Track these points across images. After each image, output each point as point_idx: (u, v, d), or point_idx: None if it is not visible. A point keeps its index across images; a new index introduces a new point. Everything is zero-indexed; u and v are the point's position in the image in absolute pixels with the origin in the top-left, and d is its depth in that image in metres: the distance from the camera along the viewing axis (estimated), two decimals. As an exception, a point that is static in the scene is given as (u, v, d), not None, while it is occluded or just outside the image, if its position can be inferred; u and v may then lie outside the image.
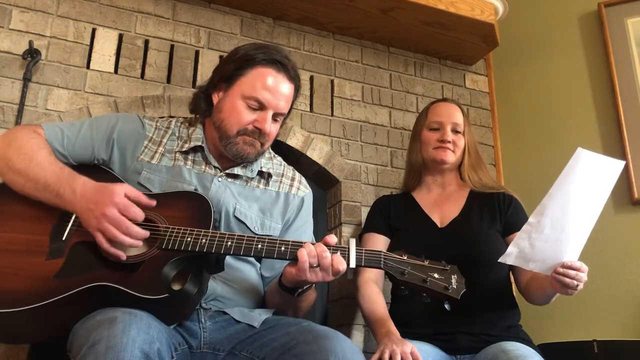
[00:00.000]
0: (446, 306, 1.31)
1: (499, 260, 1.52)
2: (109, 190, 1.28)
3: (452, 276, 1.30)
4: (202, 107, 1.60)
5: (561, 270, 1.49)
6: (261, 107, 1.52)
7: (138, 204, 1.29)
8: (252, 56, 1.55)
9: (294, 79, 1.59)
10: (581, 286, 1.51)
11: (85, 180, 1.33)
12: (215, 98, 1.58)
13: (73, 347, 1.15)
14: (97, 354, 1.03)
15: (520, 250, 1.51)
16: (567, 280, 1.49)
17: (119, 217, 1.24)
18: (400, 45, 2.57)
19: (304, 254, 1.28)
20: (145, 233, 1.27)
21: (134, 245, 1.26)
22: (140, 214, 1.27)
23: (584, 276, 1.50)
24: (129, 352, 1.03)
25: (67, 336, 1.22)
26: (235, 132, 1.51)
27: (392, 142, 2.44)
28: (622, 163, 1.50)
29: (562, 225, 1.49)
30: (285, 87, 1.56)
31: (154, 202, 1.31)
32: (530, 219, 1.50)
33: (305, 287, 1.42)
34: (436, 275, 1.29)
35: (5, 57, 1.90)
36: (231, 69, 1.56)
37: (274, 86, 1.53)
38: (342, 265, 1.28)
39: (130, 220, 1.26)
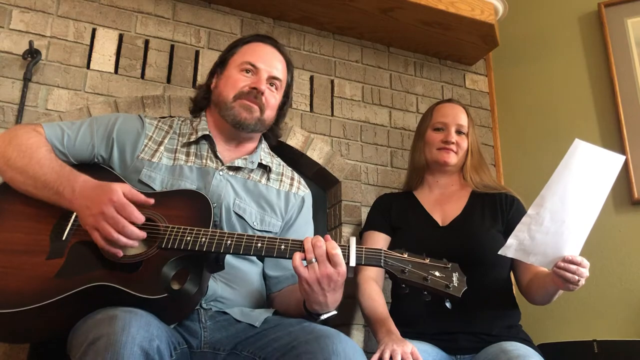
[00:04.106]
0: (447, 304, 1.29)
1: (499, 253, 1.52)
2: (107, 188, 1.27)
3: (454, 274, 1.29)
4: (201, 96, 1.67)
5: (562, 264, 1.49)
6: (255, 70, 1.60)
7: (136, 203, 1.28)
8: (242, 39, 1.70)
9: (285, 55, 1.69)
10: (582, 282, 1.50)
11: (85, 178, 1.32)
12: (212, 84, 1.66)
13: (73, 346, 1.15)
14: (97, 351, 1.03)
15: (519, 243, 1.51)
16: (568, 275, 1.49)
17: (116, 216, 1.23)
18: (400, 45, 2.57)
19: (296, 257, 1.26)
20: (142, 234, 1.26)
21: (130, 245, 1.24)
22: (136, 215, 1.25)
23: (585, 271, 1.50)
24: (128, 349, 1.02)
25: (67, 336, 1.21)
26: (232, 97, 1.57)
27: (392, 142, 2.44)
28: (622, 158, 1.49)
29: (562, 218, 1.48)
30: (277, 55, 1.65)
31: (151, 200, 1.30)
32: (530, 211, 1.50)
33: (330, 314, 1.37)
34: (437, 274, 1.28)
35: (6, 57, 1.90)
36: (223, 54, 1.68)
37: (265, 52, 1.63)
38: (335, 250, 1.25)
39: (127, 219, 1.24)
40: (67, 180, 1.31)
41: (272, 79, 1.61)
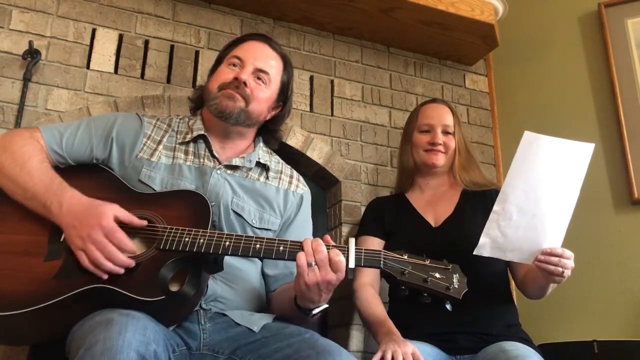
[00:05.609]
0: (447, 306, 1.28)
1: (474, 253, 1.52)
2: (97, 211, 1.25)
3: (454, 275, 1.27)
4: (198, 94, 1.69)
5: (542, 257, 1.49)
6: (241, 62, 1.59)
7: (129, 226, 1.27)
8: (238, 38, 1.71)
9: (280, 53, 1.67)
10: (568, 273, 1.50)
11: (73, 194, 1.31)
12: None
13: (71, 349, 1.15)
14: (93, 357, 1.02)
15: (492, 241, 1.50)
16: (551, 267, 1.48)
17: (104, 242, 1.22)
18: (400, 45, 2.57)
19: (301, 257, 1.25)
20: (130, 262, 1.23)
21: (115, 272, 1.21)
22: (125, 243, 1.24)
23: (568, 262, 1.49)
24: (124, 354, 1.02)
25: (67, 337, 1.21)
26: (216, 89, 1.57)
27: (392, 142, 2.44)
28: (591, 145, 1.48)
29: (532, 211, 1.48)
30: (268, 51, 1.64)
31: (145, 222, 1.30)
32: (495, 207, 1.49)
33: (322, 308, 1.36)
34: (437, 275, 1.27)
35: (5, 57, 1.90)
36: (219, 54, 1.70)
37: (253, 47, 1.63)
38: (339, 257, 1.25)
39: (116, 246, 1.22)
40: (54, 195, 1.30)
41: (258, 72, 1.59)
